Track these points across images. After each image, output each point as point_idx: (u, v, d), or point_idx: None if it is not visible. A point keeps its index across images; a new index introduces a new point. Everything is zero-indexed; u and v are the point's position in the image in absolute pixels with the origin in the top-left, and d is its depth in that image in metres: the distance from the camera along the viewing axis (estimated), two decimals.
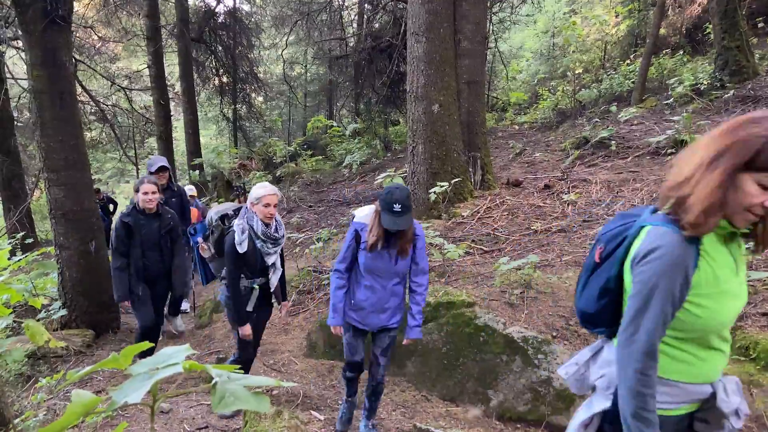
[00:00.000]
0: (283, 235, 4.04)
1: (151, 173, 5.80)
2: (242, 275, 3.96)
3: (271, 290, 4.15)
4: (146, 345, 1.00)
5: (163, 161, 6.08)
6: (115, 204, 11.96)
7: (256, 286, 4.00)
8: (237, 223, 3.83)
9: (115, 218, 5.28)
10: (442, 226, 6.52)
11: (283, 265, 4.40)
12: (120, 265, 4.77)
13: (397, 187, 3.22)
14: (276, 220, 3.95)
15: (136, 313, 4.98)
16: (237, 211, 4.06)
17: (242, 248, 3.76)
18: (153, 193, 4.86)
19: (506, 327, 4.08)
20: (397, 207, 3.14)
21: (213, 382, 0.90)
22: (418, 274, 3.45)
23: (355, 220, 3.44)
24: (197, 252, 5.15)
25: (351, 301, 3.50)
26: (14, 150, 12.51)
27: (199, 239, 5.13)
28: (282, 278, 4.38)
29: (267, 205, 3.79)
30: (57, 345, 2.55)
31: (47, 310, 5.99)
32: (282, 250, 4.53)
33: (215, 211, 4.08)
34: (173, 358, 0.94)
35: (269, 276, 4.07)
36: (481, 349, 4.11)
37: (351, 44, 14.74)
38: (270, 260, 3.96)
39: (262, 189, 3.82)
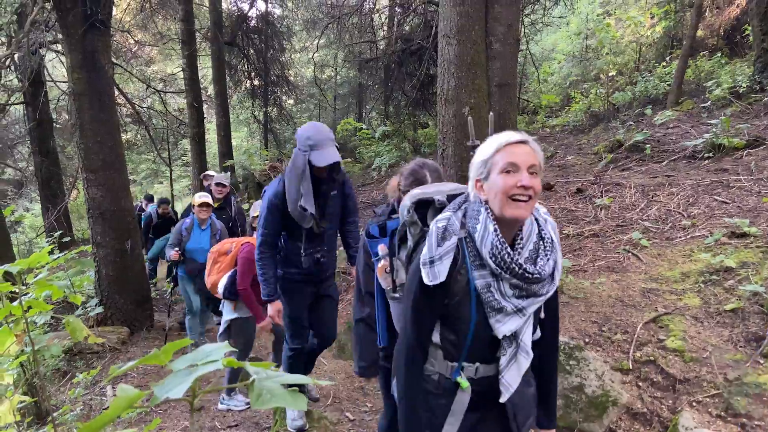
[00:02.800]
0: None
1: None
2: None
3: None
4: (187, 342, 1.02)
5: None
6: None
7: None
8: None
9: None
10: None
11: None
12: None
13: None
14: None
15: None
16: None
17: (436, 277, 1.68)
18: None
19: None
20: None
21: (251, 379, 0.91)
22: None
23: None
24: None
25: None
26: (53, 151, 12.92)
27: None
28: None
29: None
30: (96, 341, 2.62)
31: (84, 307, 6.15)
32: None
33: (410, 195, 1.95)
34: (212, 355, 0.95)
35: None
36: None
37: (381, 47, 14.78)
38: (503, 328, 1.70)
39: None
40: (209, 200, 5.67)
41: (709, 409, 3.19)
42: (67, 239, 10.71)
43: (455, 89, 6.98)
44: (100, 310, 5.98)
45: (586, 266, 4.97)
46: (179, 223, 5.87)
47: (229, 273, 4.26)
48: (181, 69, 14.30)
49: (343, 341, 5.45)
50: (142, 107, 15.27)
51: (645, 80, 11.75)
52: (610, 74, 11.84)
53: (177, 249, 5.63)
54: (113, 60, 12.70)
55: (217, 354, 0.96)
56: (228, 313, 4.33)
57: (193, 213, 5.70)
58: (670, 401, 3.38)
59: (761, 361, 3.34)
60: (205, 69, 18.11)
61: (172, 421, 4.35)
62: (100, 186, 6.04)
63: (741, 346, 3.52)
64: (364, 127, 14.37)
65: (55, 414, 3.63)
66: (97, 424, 0.79)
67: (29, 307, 2.84)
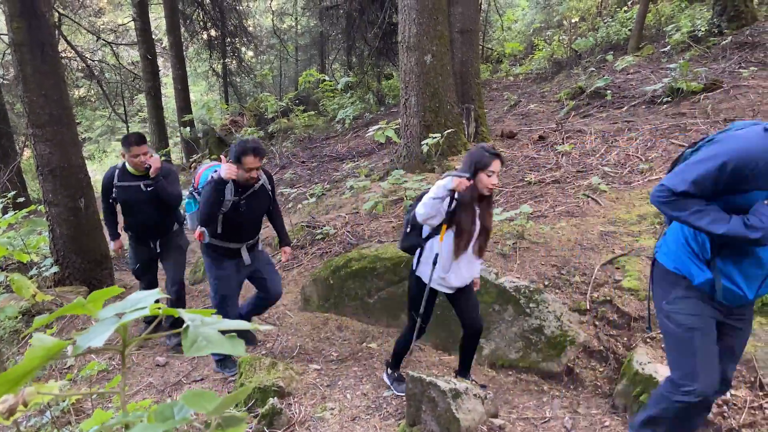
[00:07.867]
0: None
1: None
2: None
3: None
4: (117, 290, 0.97)
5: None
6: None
7: None
8: None
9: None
10: (435, 178, 6.47)
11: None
12: None
13: None
14: None
15: None
16: None
17: None
18: None
19: (498, 277, 4.08)
20: None
21: (185, 325, 0.87)
22: None
23: None
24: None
25: None
26: (2, 108, 12.31)
27: None
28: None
29: None
30: (44, 298, 2.52)
31: (39, 268, 5.97)
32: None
33: None
34: (141, 302, 0.91)
35: None
36: None
37: None
38: None
39: None
40: None
41: (663, 345, 3.29)
42: (21, 199, 10.35)
43: (417, 36, 6.83)
44: (56, 269, 5.81)
45: (546, 212, 5.02)
46: None
47: None
48: (132, 19, 13.65)
49: (308, 293, 5.44)
50: (93, 60, 14.61)
51: (607, 26, 11.73)
52: (572, 20, 11.78)
53: None
54: (60, 11, 12.02)
55: (146, 301, 0.91)
56: None
57: None
58: (625, 339, 3.49)
59: None
60: (159, 19, 17.34)
61: (136, 378, 4.31)
62: (47, 142, 5.77)
63: None
64: (327, 78, 14.06)
65: None
66: (8, 377, 0.74)
67: None
